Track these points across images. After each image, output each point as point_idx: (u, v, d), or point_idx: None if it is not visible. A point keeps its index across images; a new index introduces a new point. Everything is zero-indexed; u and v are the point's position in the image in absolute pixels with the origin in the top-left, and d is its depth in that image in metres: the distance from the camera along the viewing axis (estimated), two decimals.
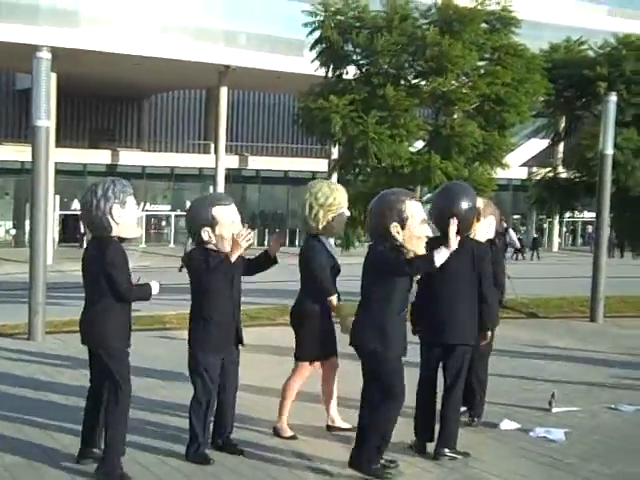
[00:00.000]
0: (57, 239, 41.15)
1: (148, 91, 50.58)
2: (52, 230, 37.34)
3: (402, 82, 14.60)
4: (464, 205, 6.01)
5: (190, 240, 6.02)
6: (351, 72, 15.11)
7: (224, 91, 42.14)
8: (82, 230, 42.47)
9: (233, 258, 5.63)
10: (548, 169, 18.15)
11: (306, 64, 16.36)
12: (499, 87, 14.04)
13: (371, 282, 5.53)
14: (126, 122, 53.33)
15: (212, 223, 5.67)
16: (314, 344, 6.40)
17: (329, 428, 6.65)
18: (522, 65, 14.43)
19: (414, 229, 5.46)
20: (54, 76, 34.55)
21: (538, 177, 18.04)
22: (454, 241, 5.49)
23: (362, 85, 14.46)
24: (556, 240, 53.06)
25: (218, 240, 5.71)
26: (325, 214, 6.40)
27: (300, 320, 6.46)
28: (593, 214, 14.10)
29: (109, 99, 50.47)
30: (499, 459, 6.03)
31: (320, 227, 6.43)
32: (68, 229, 43.80)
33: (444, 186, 6.96)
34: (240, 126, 53.98)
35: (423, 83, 14.60)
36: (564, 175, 17.40)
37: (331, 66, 14.95)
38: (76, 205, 43.61)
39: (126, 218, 5.54)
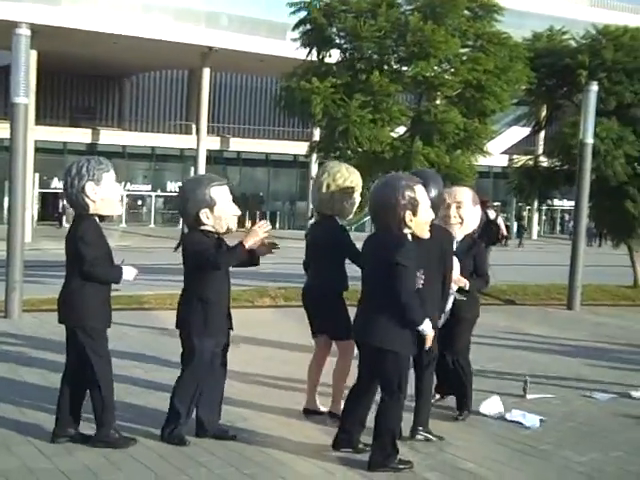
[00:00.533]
0: (36, 217, 40.88)
1: (130, 70, 50.24)
2: (31, 208, 37.07)
3: (385, 67, 14.57)
4: (433, 192, 6.01)
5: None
6: (334, 55, 15.06)
7: (206, 72, 41.95)
8: (60, 209, 42.25)
9: (248, 245, 5.53)
10: (529, 157, 18.21)
11: (289, 47, 16.29)
12: (481, 74, 14.05)
13: (379, 276, 5.32)
14: (107, 101, 52.98)
15: (211, 204, 5.57)
16: (348, 320, 6.34)
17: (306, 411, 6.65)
18: (505, 53, 14.45)
19: (422, 215, 5.42)
20: (34, 53, 34.28)
21: (518, 164, 18.11)
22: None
23: (345, 70, 14.43)
24: (535, 228, 53.35)
25: (216, 221, 5.61)
26: (341, 195, 6.42)
27: (323, 302, 6.44)
28: (572, 202, 14.17)
29: (90, 78, 50.11)
30: (473, 445, 6.06)
31: (335, 208, 6.45)
32: (47, 207, 43.52)
33: (412, 173, 6.97)
34: (222, 108, 53.79)
35: (405, 69, 14.58)
36: (545, 163, 17.47)
37: (314, 48, 14.90)
38: (55, 183, 43.36)
39: (102, 195, 5.52)
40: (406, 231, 5.36)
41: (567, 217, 52.95)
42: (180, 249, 5.77)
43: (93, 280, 5.50)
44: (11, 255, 11.10)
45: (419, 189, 5.41)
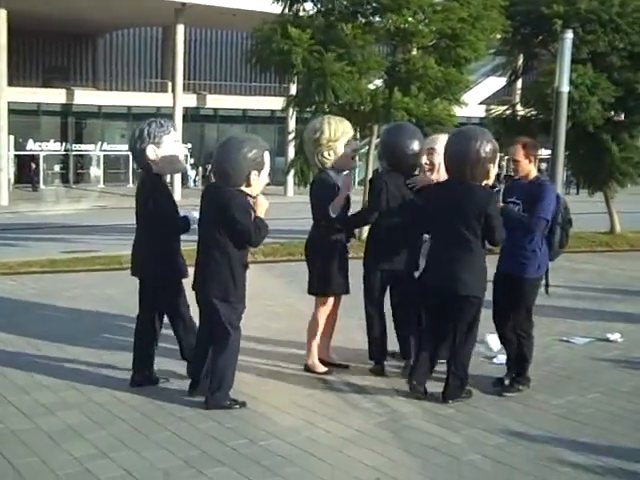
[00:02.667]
0: (13, 180, 40.49)
1: (103, 29, 49.53)
2: (7, 171, 36.74)
3: (359, 19, 14.46)
4: (417, 145, 6.46)
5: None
6: (307, 9, 14.93)
7: (180, 29, 41.37)
8: (32, 171, 41.71)
9: (263, 215, 5.62)
10: (506, 107, 18.19)
11: (262, 1, 16.13)
12: (455, 23, 13.97)
13: (472, 226, 5.63)
14: (81, 60, 52.26)
15: (260, 167, 5.60)
16: (333, 277, 6.46)
17: (325, 364, 6.69)
18: (479, 1, 14.36)
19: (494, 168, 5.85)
20: (4, 12, 33.77)
21: (495, 114, 18.07)
22: None
23: (318, 22, 14.30)
24: None
25: (256, 185, 5.62)
26: (317, 149, 6.42)
27: (318, 253, 6.49)
28: (549, 151, 14.16)
29: (62, 37, 49.33)
30: None
31: (317, 162, 6.48)
32: (24, 170, 43.07)
33: (393, 126, 7.05)
34: (198, 64, 53.22)
35: (378, 20, 14.48)
36: (521, 113, 17.46)
37: (288, 2, 14.77)
38: (31, 145, 42.89)
39: (163, 156, 5.94)
40: (484, 182, 5.74)
41: (544, 166, 53.11)
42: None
43: (170, 233, 5.90)
44: None
45: (495, 143, 5.78)
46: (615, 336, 7.94)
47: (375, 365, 6.62)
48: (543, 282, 6.28)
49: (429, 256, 5.99)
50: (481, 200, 5.63)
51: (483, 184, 5.75)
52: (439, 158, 6.50)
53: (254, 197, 5.61)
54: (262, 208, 5.61)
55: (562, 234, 6.22)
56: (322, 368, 6.58)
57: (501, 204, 5.97)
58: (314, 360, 6.61)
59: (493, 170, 5.78)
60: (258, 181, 5.59)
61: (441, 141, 6.56)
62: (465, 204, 5.63)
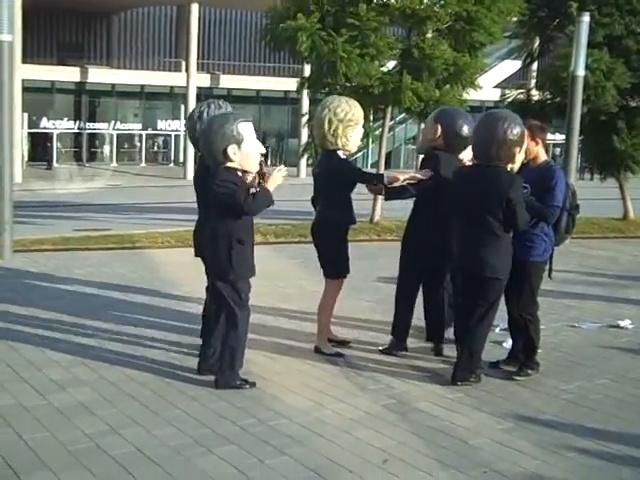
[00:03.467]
0: (26, 157, 40.56)
1: (118, 6, 49.42)
2: (21, 148, 36.79)
3: (374, 0, 14.36)
4: (467, 129, 6.42)
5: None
6: None
7: (195, 8, 41.31)
8: (46, 149, 41.74)
9: (271, 188, 5.58)
10: (520, 90, 18.09)
11: None
12: (470, 6, 13.87)
13: (494, 210, 5.62)
14: (95, 38, 52.20)
15: (238, 140, 5.50)
16: (343, 259, 6.54)
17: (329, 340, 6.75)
18: None
19: (522, 152, 5.82)
20: None
21: (510, 98, 17.97)
22: None
23: (332, 1, 14.21)
24: None
25: (242, 158, 5.53)
26: (344, 129, 6.42)
27: (328, 236, 6.52)
28: (564, 136, 14.08)
29: (77, 14, 49.24)
30: None
31: (339, 142, 6.46)
32: (37, 147, 43.14)
33: (441, 110, 7.01)
34: (212, 44, 53.07)
35: (393, 1, 14.37)
36: (536, 97, 17.36)
37: None
38: (45, 123, 42.94)
39: None
40: (509, 166, 5.71)
41: (559, 151, 52.85)
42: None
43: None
44: (0, 195, 11.04)
45: (524, 128, 5.75)
46: (625, 322, 7.93)
47: (391, 342, 6.64)
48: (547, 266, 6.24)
49: (457, 237, 5.98)
50: (505, 183, 5.61)
51: (508, 168, 5.72)
52: None
53: (249, 172, 5.57)
54: (273, 183, 5.60)
55: (568, 220, 6.16)
56: (332, 349, 6.61)
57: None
58: (324, 341, 6.64)
59: (519, 155, 5.73)
60: (240, 154, 5.49)
61: None
62: (488, 187, 5.63)
